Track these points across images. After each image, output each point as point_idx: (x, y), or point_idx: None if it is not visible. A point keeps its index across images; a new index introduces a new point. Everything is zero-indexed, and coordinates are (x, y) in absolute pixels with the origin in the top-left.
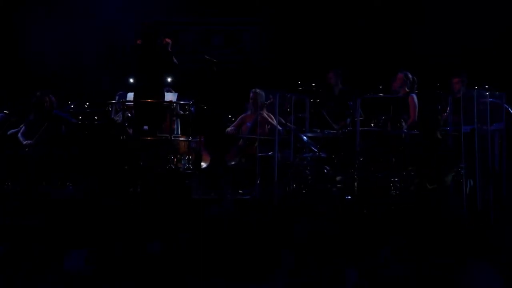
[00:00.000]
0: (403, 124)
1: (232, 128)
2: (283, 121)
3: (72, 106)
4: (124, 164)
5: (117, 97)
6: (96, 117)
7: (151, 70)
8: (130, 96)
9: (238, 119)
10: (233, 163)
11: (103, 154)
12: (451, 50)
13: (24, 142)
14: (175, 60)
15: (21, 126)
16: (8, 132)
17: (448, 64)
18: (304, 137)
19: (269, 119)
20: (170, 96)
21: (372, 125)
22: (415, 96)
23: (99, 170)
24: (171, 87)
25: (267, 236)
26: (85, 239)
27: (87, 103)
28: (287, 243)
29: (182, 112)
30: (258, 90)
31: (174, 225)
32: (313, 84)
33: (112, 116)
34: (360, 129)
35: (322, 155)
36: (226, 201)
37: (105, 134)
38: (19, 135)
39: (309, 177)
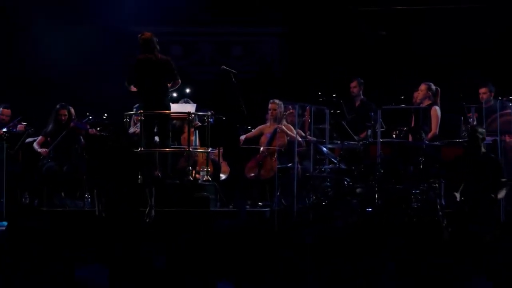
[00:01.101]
0: (424, 135)
1: (243, 137)
2: (302, 133)
3: (91, 117)
4: (137, 176)
5: (134, 109)
6: (111, 129)
7: (154, 81)
8: None
9: (256, 129)
10: (252, 174)
11: (117, 166)
12: (476, 62)
13: (39, 150)
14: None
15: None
16: (26, 141)
17: (473, 75)
18: (324, 149)
19: (289, 132)
20: (188, 107)
21: (394, 136)
22: (438, 108)
23: (114, 182)
24: (189, 98)
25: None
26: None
27: (105, 115)
28: (295, 256)
29: (200, 123)
30: (277, 101)
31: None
32: (334, 95)
33: (130, 128)
34: (381, 140)
35: (342, 166)
36: (241, 213)
37: (118, 146)
38: (35, 144)
39: (329, 189)
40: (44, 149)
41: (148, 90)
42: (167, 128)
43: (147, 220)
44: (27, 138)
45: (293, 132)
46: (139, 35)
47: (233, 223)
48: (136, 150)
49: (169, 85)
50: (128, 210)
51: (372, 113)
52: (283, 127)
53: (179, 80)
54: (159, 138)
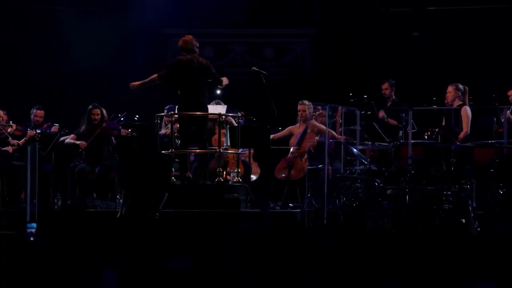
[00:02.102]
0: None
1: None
2: (334, 133)
3: (122, 118)
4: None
5: (165, 110)
6: (137, 130)
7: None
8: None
9: (285, 130)
10: (282, 175)
11: (142, 168)
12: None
13: (78, 142)
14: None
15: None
16: (60, 140)
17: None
18: (355, 150)
19: (319, 125)
20: (219, 109)
21: (426, 137)
22: (468, 108)
23: (138, 185)
24: (220, 99)
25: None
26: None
27: (137, 116)
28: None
29: (230, 125)
30: (306, 102)
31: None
32: (365, 96)
33: (161, 129)
34: (412, 141)
35: (373, 168)
36: (263, 215)
37: (143, 148)
38: (69, 139)
39: (360, 191)
40: (82, 142)
41: (187, 91)
42: (205, 129)
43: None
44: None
45: (323, 129)
46: (181, 38)
47: (257, 224)
48: (165, 152)
49: (219, 86)
50: (148, 213)
51: (404, 114)
52: (314, 121)
53: (222, 79)
54: (197, 139)
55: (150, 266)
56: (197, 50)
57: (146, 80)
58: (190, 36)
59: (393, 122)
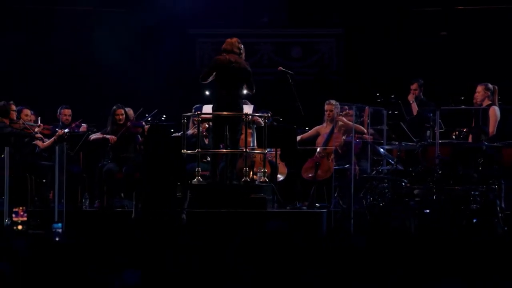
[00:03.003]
0: (483, 136)
1: (298, 137)
2: (364, 129)
3: (149, 118)
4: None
5: (193, 110)
6: (172, 130)
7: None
8: (206, 108)
9: (312, 130)
10: (309, 175)
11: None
12: None
13: (108, 136)
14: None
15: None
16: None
17: None
18: (381, 150)
19: (347, 121)
20: (246, 108)
21: (454, 137)
22: (496, 108)
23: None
24: (247, 99)
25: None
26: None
27: (164, 116)
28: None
29: (256, 125)
30: (333, 102)
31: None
32: (392, 96)
33: (188, 129)
34: (439, 141)
35: (399, 167)
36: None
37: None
38: (96, 135)
39: (387, 190)
40: (112, 136)
41: (222, 90)
42: (238, 129)
43: (179, 224)
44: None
45: (350, 126)
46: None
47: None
48: (192, 151)
49: (244, 92)
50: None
51: (431, 114)
52: (342, 117)
53: (254, 91)
54: (229, 139)
55: (173, 266)
56: (238, 51)
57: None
58: (235, 39)
59: (415, 108)
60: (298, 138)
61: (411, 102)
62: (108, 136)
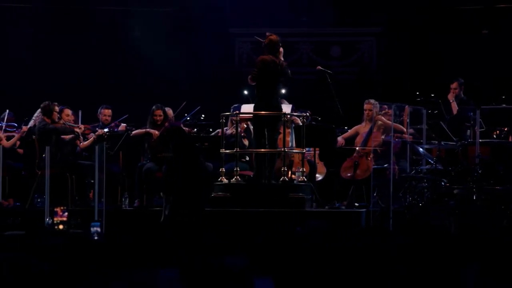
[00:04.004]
0: None
1: (340, 138)
2: (403, 128)
3: (188, 118)
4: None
5: (232, 109)
6: (210, 129)
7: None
8: (244, 108)
9: (351, 129)
10: (348, 175)
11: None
12: None
13: (151, 130)
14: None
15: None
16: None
17: None
18: (421, 149)
19: (386, 120)
20: (284, 108)
21: (495, 136)
22: None
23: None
24: (286, 98)
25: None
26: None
27: (203, 115)
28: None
29: (294, 124)
30: (372, 101)
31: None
32: (432, 95)
33: (227, 129)
34: (480, 140)
35: (439, 167)
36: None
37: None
38: (137, 131)
39: (426, 190)
40: (155, 131)
41: (266, 90)
42: (276, 128)
43: (196, 225)
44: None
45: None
46: (267, 35)
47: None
48: (230, 151)
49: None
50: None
51: (471, 113)
52: (382, 117)
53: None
54: (268, 138)
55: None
56: (279, 50)
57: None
58: (277, 37)
59: (455, 107)
60: (340, 138)
61: (451, 101)
62: (151, 130)
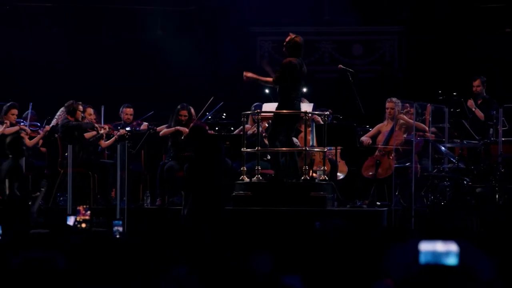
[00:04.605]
0: None
1: (366, 138)
2: (425, 127)
3: (210, 117)
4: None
5: (253, 108)
6: (231, 128)
7: (301, 85)
8: (266, 107)
9: (374, 128)
10: (369, 173)
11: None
12: None
13: (180, 128)
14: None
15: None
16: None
17: None
18: (442, 148)
19: (408, 119)
20: (306, 107)
21: None
22: None
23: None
24: (308, 97)
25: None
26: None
27: (224, 114)
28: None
29: (318, 123)
30: (394, 100)
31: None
32: (454, 93)
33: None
34: (503, 139)
35: (461, 166)
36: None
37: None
38: (163, 130)
39: (448, 189)
40: (185, 128)
41: (292, 94)
42: (296, 128)
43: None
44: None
45: (411, 124)
46: (292, 37)
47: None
48: (251, 150)
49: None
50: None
51: (494, 112)
52: (403, 116)
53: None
54: (288, 138)
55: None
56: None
57: (262, 78)
58: (301, 39)
59: (479, 114)
60: (364, 138)
61: (473, 109)
62: (181, 128)
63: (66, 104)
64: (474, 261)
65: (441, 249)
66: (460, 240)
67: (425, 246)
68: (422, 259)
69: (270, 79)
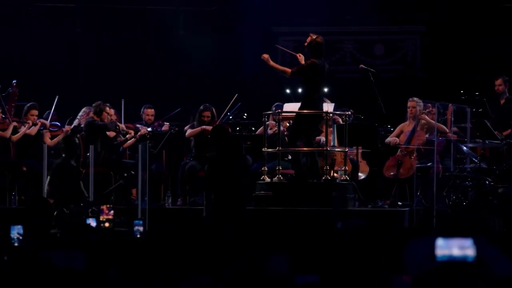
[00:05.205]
0: None
1: (393, 138)
2: (446, 128)
3: (231, 117)
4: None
5: (273, 108)
6: (253, 128)
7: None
8: (287, 107)
9: (397, 128)
10: (391, 173)
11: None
12: None
13: (208, 127)
14: None
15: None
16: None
17: None
18: (464, 148)
19: (428, 118)
20: (326, 107)
21: None
22: None
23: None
24: (329, 97)
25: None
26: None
27: (245, 114)
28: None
29: (338, 123)
30: (415, 99)
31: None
32: (476, 93)
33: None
34: None
35: (483, 166)
36: (333, 213)
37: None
38: (188, 131)
39: (470, 189)
40: (210, 127)
41: (315, 94)
42: (318, 128)
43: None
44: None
45: (433, 125)
46: (313, 37)
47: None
48: (272, 150)
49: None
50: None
51: None
52: (425, 116)
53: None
54: (309, 138)
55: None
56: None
57: (279, 67)
58: (322, 39)
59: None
60: (390, 140)
61: None
62: (207, 127)
63: (94, 104)
64: (491, 258)
65: (458, 246)
66: (477, 237)
67: (442, 243)
68: (439, 256)
69: (287, 69)
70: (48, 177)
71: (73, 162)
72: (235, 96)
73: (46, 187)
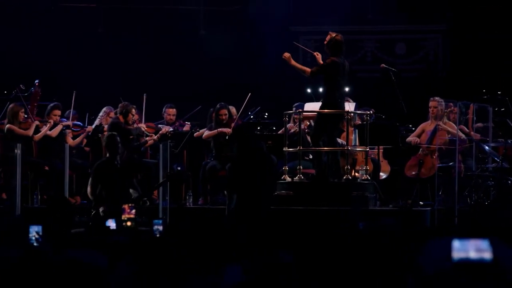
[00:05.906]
0: None
1: (414, 138)
2: (466, 129)
3: (252, 116)
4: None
5: (294, 108)
6: (274, 128)
7: (343, 85)
8: (308, 106)
9: (418, 128)
10: (413, 173)
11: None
12: None
13: (225, 129)
14: None
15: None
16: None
17: None
18: (486, 147)
19: (449, 129)
20: (347, 106)
21: None
22: None
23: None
24: (350, 97)
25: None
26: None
27: (266, 114)
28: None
29: (360, 122)
30: (437, 99)
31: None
32: (499, 92)
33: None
34: None
35: (505, 165)
36: (352, 213)
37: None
38: (206, 133)
39: (492, 189)
40: (227, 129)
41: (336, 93)
42: (339, 127)
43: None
44: (191, 137)
45: (454, 129)
46: (333, 36)
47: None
48: (293, 149)
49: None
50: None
51: None
52: (443, 124)
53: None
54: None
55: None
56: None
57: (300, 66)
58: (342, 37)
59: None
60: (410, 139)
61: None
62: (224, 129)
63: (120, 105)
64: (507, 258)
65: (475, 248)
66: (493, 238)
67: (458, 245)
68: (455, 256)
69: (307, 69)
70: (90, 178)
71: (117, 161)
72: (249, 95)
73: (88, 188)
